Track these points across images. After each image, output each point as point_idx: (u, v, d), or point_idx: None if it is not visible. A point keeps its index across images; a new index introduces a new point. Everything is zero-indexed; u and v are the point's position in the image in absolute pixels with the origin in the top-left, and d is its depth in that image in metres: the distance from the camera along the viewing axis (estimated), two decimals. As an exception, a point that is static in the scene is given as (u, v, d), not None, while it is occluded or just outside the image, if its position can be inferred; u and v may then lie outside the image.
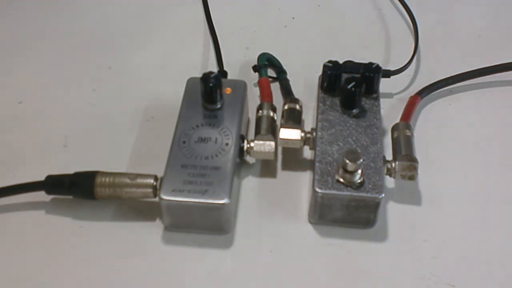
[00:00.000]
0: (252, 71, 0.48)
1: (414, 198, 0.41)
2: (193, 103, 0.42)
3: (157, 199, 0.37)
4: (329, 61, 0.42)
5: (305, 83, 0.48)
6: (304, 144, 0.41)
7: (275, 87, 0.48)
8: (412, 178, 0.39)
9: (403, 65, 0.48)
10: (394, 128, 0.42)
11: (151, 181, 0.38)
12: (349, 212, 0.38)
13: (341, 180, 0.37)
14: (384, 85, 0.44)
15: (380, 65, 0.42)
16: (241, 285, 0.37)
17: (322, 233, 0.39)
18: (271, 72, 0.49)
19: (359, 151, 0.38)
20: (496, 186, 0.42)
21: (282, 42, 0.53)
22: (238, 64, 0.51)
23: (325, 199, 0.37)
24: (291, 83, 0.48)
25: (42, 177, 0.39)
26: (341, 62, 0.43)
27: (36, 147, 0.44)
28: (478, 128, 0.46)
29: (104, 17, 0.56)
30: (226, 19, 0.55)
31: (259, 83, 0.46)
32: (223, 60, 0.50)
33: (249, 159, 0.43)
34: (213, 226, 0.38)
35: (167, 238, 0.38)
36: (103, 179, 0.38)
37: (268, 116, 0.42)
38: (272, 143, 0.40)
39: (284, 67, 0.49)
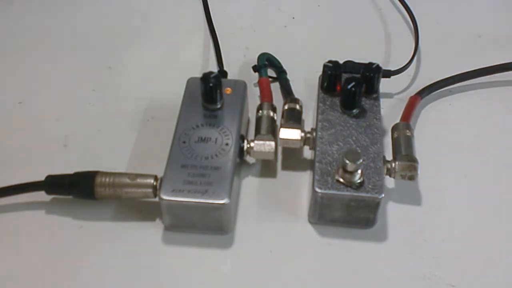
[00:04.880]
0: (252, 71, 0.48)
1: (414, 198, 0.41)
2: (193, 103, 0.42)
3: (157, 199, 0.37)
4: (329, 61, 0.42)
5: (305, 83, 0.48)
6: (304, 144, 0.41)
7: (275, 87, 0.48)
8: (412, 178, 0.39)
9: (403, 65, 0.48)
10: (394, 128, 0.42)
11: (151, 181, 0.38)
12: (349, 212, 0.38)
13: (341, 180, 0.37)
14: (384, 85, 0.44)
15: (380, 65, 0.42)
16: (241, 285, 0.37)
17: (322, 233, 0.39)
18: (271, 72, 0.49)
19: (359, 151, 0.38)
20: (496, 186, 0.42)
21: (282, 42, 0.53)
22: (238, 64, 0.51)
23: (325, 199, 0.37)
24: (291, 83, 0.48)
25: (42, 177, 0.39)
26: (341, 62, 0.43)
27: (36, 147, 0.44)
28: (478, 128, 0.46)
29: (104, 17, 0.56)
30: (226, 19, 0.55)
31: (259, 83, 0.46)
32: (223, 60, 0.50)
33: (249, 159, 0.43)
34: (213, 226, 0.38)
35: (167, 238, 0.38)
36: (103, 179, 0.38)
37: (268, 116, 0.42)
38: (272, 143, 0.40)
39: (284, 67, 0.49)
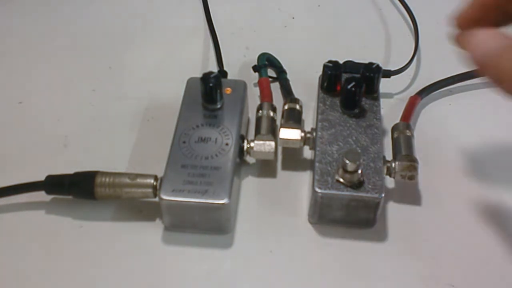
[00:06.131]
0: (252, 71, 0.48)
1: (414, 198, 0.41)
2: (193, 103, 0.42)
3: (157, 199, 0.37)
4: (329, 61, 0.42)
5: (305, 83, 0.48)
6: (304, 144, 0.41)
7: (275, 87, 0.48)
8: (412, 178, 0.39)
9: (403, 65, 0.48)
10: (394, 128, 0.42)
11: (151, 181, 0.38)
12: (349, 212, 0.38)
13: (341, 180, 0.37)
14: (384, 85, 0.44)
15: (380, 65, 0.42)
16: (241, 285, 0.37)
17: (322, 233, 0.39)
18: (271, 72, 0.49)
19: (359, 151, 0.38)
20: (496, 186, 0.42)
21: (282, 42, 0.53)
22: (238, 64, 0.51)
23: (325, 199, 0.37)
24: (291, 83, 0.48)
25: (42, 177, 0.39)
26: (341, 62, 0.43)
27: (36, 147, 0.44)
28: (478, 128, 0.46)
29: (104, 17, 0.56)
30: (226, 19, 0.55)
31: (259, 83, 0.46)
32: (223, 60, 0.50)
33: (249, 159, 0.43)
34: (213, 226, 0.38)
35: (167, 238, 0.38)
36: (103, 179, 0.38)
37: (268, 116, 0.42)
38: (272, 143, 0.40)
39: (284, 67, 0.49)
